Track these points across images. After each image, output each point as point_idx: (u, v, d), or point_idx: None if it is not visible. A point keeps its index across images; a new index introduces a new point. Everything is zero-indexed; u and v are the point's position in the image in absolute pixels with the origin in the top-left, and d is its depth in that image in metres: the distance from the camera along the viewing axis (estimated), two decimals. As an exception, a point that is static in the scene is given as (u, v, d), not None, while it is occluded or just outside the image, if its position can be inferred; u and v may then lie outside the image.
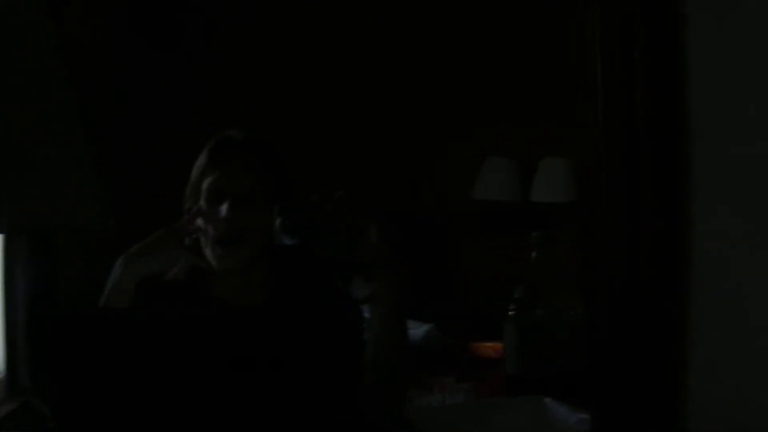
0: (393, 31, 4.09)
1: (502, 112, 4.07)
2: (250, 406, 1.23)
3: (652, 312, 1.60)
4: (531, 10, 3.95)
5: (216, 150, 1.83)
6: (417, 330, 3.07)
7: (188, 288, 1.81)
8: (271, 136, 1.92)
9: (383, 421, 1.68)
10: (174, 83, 3.86)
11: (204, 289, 1.83)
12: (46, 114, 2.26)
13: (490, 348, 3.16)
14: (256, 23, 4.06)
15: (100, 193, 2.39)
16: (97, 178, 2.38)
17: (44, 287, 2.47)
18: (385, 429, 1.69)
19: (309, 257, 1.89)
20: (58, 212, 2.27)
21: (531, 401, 2.01)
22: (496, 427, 1.92)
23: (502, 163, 4.03)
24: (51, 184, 2.22)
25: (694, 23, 1.57)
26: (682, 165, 1.58)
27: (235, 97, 3.89)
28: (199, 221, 1.77)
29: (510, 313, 2.69)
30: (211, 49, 4.03)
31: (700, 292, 1.58)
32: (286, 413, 1.25)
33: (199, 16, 4.00)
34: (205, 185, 1.80)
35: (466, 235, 4.19)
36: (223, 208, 1.76)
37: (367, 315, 1.72)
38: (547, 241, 2.87)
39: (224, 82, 3.96)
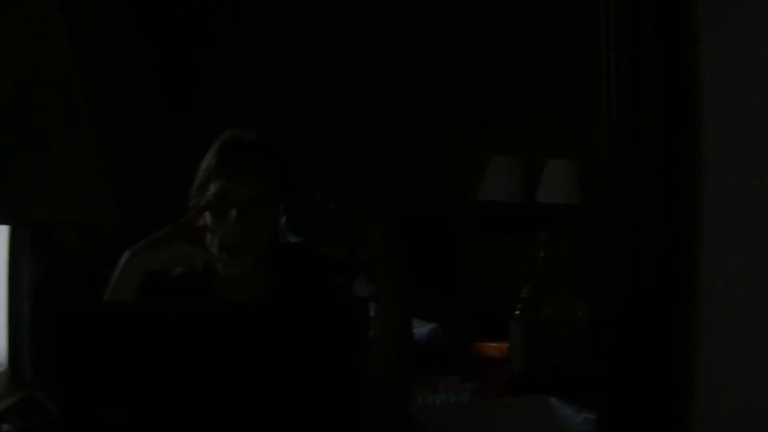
0: (400, 31, 4.09)
1: (509, 113, 4.07)
2: (251, 402, 1.23)
3: (657, 313, 1.59)
4: (539, 11, 3.95)
5: (224, 153, 1.80)
6: (421, 329, 3.07)
7: (192, 286, 1.81)
8: (277, 136, 1.91)
9: (386, 419, 1.67)
10: (182, 83, 3.87)
11: (208, 287, 1.82)
12: (55, 109, 2.26)
13: (494, 348, 3.16)
14: (264, 23, 4.06)
15: (108, 189, 2.39)
16: (104, 174, 2.38)
17: (48, 281, 2.47)
18: (388, 427, 1.68)
19: (312, 255, 1.88)
20: (65, 206, 2.27)
21: (536, 401, 2.00)
22: (501, 427, 1.92)
23: (507, 164, 4.02)
24: (58, 178, 2.22)
25: (706, 27, 1.56)
26: (689, 168, 1.57)
27: (242, 96, 3.89)
28: (206, 219, 1.76)
29: (516, 312, 2.68)
30: (218, 49, 4.03)
31: (705, 294, 1.57)
32: (290, 410, 1.24)
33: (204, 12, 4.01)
34: (212, 191, 1.78)
35: (471, 235, 4.19)
36: (231, 216, 1.75)
37: (371, 313, 1.71)
38: (553, 241, 2.87)
39: (233, 81, 3.96)
